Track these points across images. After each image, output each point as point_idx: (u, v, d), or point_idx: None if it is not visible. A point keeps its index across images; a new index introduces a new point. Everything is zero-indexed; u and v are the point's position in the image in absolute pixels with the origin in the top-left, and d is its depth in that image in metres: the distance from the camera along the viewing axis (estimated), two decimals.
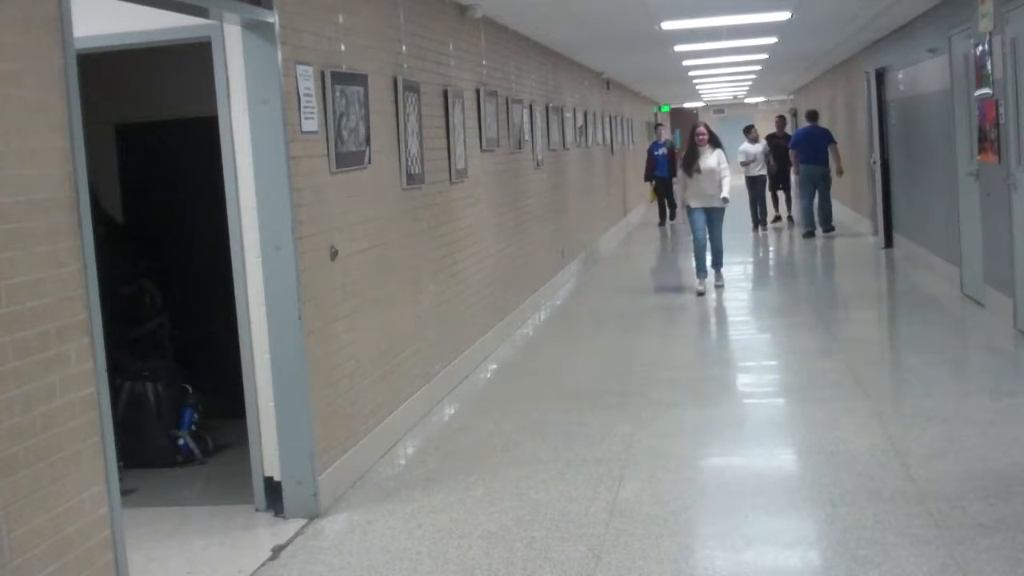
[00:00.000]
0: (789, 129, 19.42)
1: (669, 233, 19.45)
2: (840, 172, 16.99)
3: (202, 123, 5.53)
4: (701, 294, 11.34)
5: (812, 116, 17.51)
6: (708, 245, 11.58)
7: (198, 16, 4.77)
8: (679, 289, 12.00)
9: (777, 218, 18.94)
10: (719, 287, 11.67)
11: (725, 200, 11.32)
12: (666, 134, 22.16)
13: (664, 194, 20.74)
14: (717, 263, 11.75)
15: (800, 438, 6.24)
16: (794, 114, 30.33)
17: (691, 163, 11.43)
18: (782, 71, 20.74)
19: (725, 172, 11.33)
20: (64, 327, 3.51)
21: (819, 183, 16.64)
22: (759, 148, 18.35)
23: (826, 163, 16.67)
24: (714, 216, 11.52)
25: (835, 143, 16.89)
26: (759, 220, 18.12)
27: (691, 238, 11.80)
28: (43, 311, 3.42)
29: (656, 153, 20.78)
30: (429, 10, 7.74)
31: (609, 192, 18.50)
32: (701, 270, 11.56)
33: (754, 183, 18.16)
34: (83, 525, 3.56)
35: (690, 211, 11.57)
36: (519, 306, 10.21)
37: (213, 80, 5.11)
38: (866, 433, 5.98)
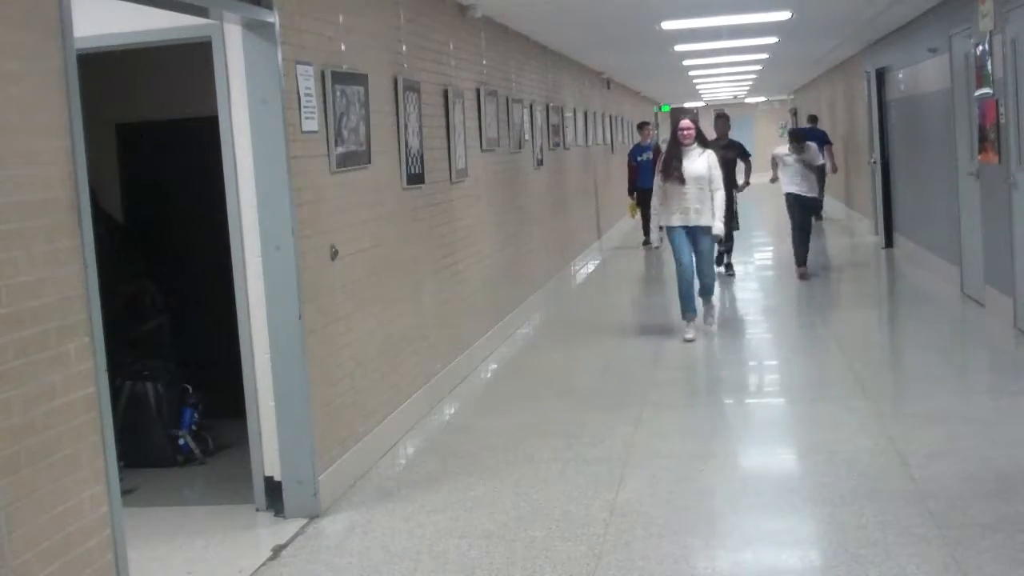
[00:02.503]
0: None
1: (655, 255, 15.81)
2: (834, 169, 17.14)
3: (202, 123, 5.53)
4: (690, 340, 8.82)
5: (813, 119, 20.04)
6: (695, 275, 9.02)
7: (198, 16, 4.77)
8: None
9: (719, 257, 12.42)
10: (709, 326, 9.15)
11: (716, 237, 8.87)
12: (653, 135, 17.62)
13: (648, 208, 15.66)
14: (706, 293, 9.12)
15: (800, 438, 6.24)
16: (794, 114, 30.60)
17: (672, 168, 8.80)
18: (782, 71, 20.74)
19: (718, 184, 8.78)
20: (64, 327, 3.51)
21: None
22: (803, 154, 12.31)
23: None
24: (700, 237, 8.87)
25: (831, 144, 17.50)
26: (802, 257, 12.32)
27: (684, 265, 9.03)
28: (43, 311, 3.42)
29: (639, 159, 16.56)
30: (429, 10, 7.74)
31: (602, 195, 18.43)
32: (688, 309, 8.98)
33: (800, 205, 12.33)
34: (83, 525, 3.56)
35: (669, 231, 8.98)
36: (519, 306, 10.21)
37: (213, 80, 5.11)
38: (866, 433, 5.98)
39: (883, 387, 7.36)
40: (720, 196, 8.78)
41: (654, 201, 9.12)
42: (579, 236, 14.79)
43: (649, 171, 15.21)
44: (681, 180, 8.72)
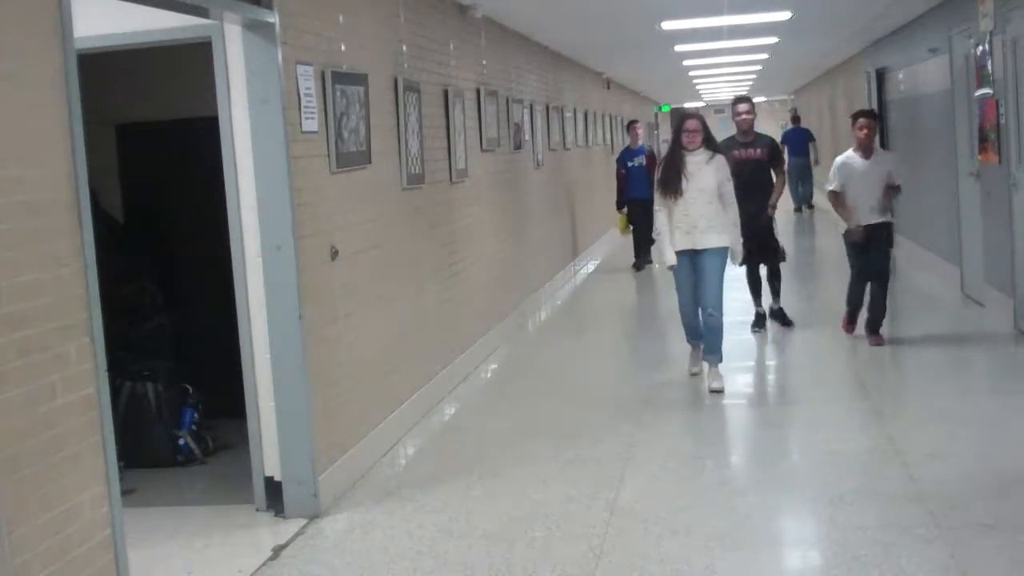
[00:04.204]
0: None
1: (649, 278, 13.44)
2: (816, 162, 20.60)
3: (202, 123, 5.53)
4: (696, 374, 7.55)
5: (795, 119, 22.50)
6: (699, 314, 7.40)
7: (198, 16, 4.77)
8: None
9: (760, 317, 9.38)
10: (716, 392, 7.13)
11: (735, 259, 7.27)
12: (645, 137, 15.06)
13: (643, 223, 12.92)
14: (712, 351, 7.30)
15: (800, 438, 6.24)
16: (794, 113, 30.84)
17: (672, 178, 7.15)
18: (782, 71, 20.77)
19: (730, 197, 7.17)
20: (64, 327, 3.51)
21: (802, 171, 20.30)
22: (881, 163, 8.20)
23: (806, 156, 20.48)
24: (705, 265, 7.17)
25: (815, 141, 20.79)
26: (869, 313, 8.52)
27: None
28: (43, 311, 3.41)
29: (630, 164, 13.96)
30: (429, 10, 7.74)
31: (602, 196, 18.35)
32: (694, 336, 7.56)
33: (873, 239, 8.25)
34: (83, 525, 3.56)
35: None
36: (519, 306, 10.21)
37: (213, 80, 5.11)
38: (866, 433, 5.98)
39: (883, 387, 7.36)
40: (734, 211, 7.18)
41: (657, 223, 7.33)
42: (581, 235, 14.80)
43: (641, 179, 13.33)
44: (681, 195, 7.10)
